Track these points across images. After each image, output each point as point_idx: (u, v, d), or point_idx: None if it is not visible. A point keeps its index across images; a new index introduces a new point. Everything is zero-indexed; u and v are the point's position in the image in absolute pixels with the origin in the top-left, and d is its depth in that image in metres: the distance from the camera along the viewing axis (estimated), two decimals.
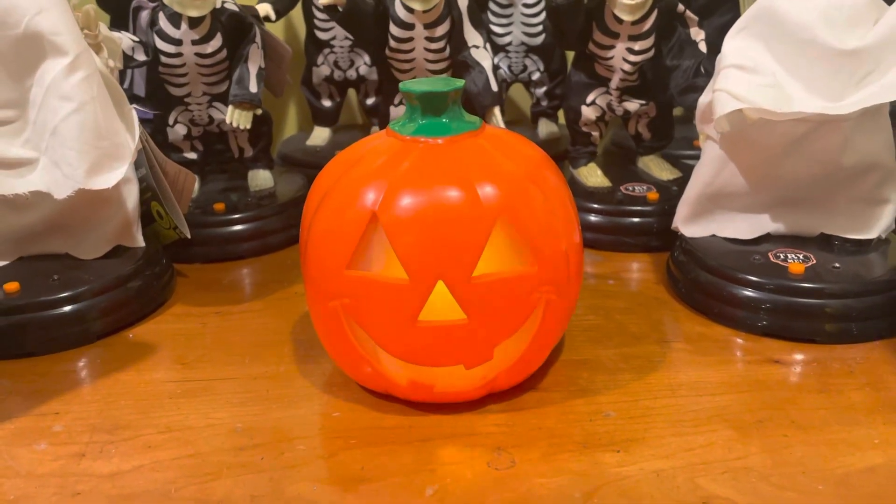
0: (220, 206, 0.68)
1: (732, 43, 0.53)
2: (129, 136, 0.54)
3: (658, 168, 0.72)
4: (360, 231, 0.42)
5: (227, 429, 0.45)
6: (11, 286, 0.54)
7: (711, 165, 0.57)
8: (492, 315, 0.42)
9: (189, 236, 0.61)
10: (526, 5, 0.79)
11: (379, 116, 0.80)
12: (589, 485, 0.39)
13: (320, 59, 0.83)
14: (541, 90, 0.84)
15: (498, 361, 0.44)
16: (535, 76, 0.83)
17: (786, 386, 0.47)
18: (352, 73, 0.84)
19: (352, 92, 0.88)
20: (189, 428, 0.45)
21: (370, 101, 0.85)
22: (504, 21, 0.80)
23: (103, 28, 0.57)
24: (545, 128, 0.85)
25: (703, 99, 0.55)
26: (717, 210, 0.58)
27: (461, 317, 0.42)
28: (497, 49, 0.81)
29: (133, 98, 0.77)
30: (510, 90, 0.88)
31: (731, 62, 0.52)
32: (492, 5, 0.80)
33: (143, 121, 0.70)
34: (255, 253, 0.68)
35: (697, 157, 0.75)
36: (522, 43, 0.81)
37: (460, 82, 0.45)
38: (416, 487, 0.40)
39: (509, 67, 0.83)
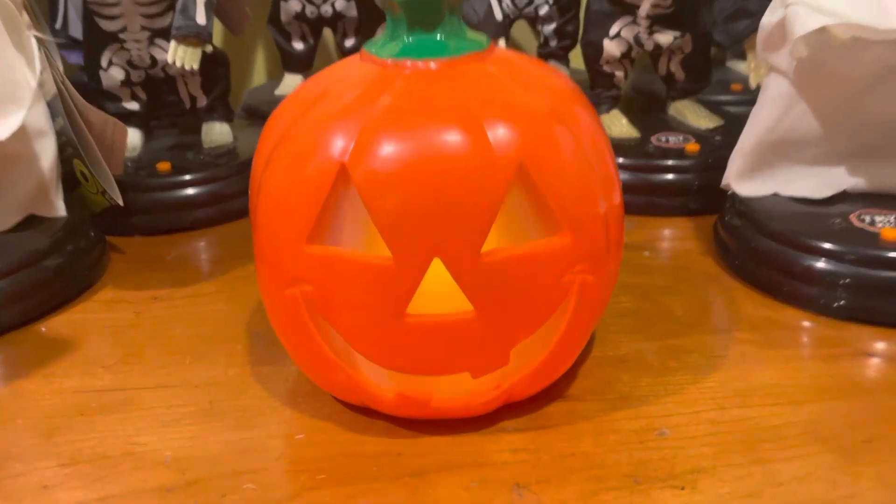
0: (164, 166, 0.56)
1: None
2: (28, 72, 0.42)
3: (694, 115, 0.60)
4: (325, 191, 0.30)
5: (152, 459, 0.33)
6: None
7: (776, 105, 0.45)
8: (508, 306, 0.31)
9: (121, 203, 0.49)
10: None
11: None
12: None
13: None
14: (549, 27, 0.71)
15: (515, 366, 0.33)
16: (543, 10, 0.70)
17: (891, 388, 0.36)
18: (327, 10, 0.71)
19: (328, 32, 0.75)
20: (102, 458, 0.34)
21: (349, 42, 0.73)
22: None
23: None
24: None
25: (769, 18, 0.43)
26: (780, 162, 0.46)
27: (466, 308, 0.30)
28: None
29: (68, 44, 0.65)
30: (512, 28, 0.75)
31: None
32: None
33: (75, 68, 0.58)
34: (209, 222, 0.56)
35: (735, 105, 0.64)
36: None
37: None
38: None
39: (512, 1, 0.70)
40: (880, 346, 0.39)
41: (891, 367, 0.37)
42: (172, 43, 0.54)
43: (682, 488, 0.31)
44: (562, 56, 0.73)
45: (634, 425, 0.34)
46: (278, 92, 0.73)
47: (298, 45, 0.73)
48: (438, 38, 0.33)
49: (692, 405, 0.35)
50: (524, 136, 0.30)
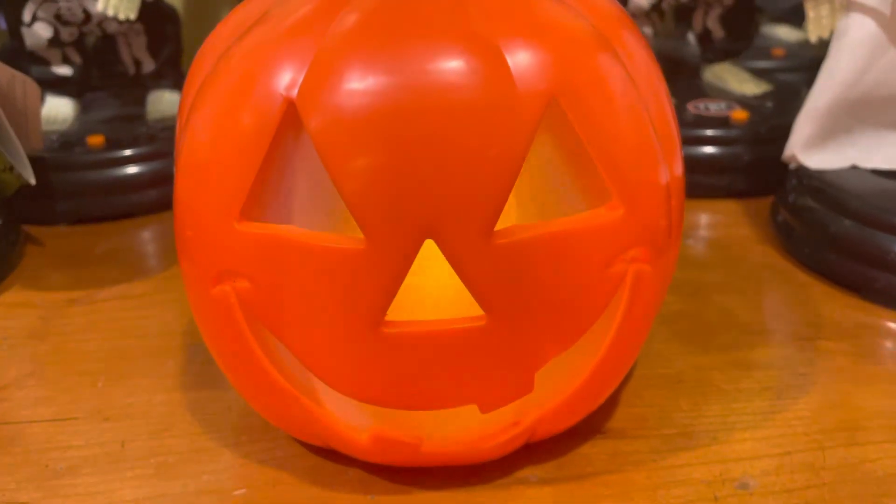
0: (97, 140, 0.46)
1: None
2: None
3: (737, 79, 0.50)
4: (265, 145, 0.21)
5: None
6: None
7: (858, 53, 0.35)
8: (533, 308, 0.21)
9: (33, 181, 0.39)
10: None
11: None
12: None
13: None
14: None
15: (542, 394, 0.23)
16: None
17: None
18: None
19: None
20: None
21: None
22: None
23: None
24: None
25: None
26: (862, 127, 0.37)
27: (473, 314, 0.21)
28: None
29: None
30: None
31: None
32: None
33: None
34: (152, 208, 0.46)
35: (778, 72, 0.55)
36: None
37: None
38: None
39: None
40: None
41: None
42: None
43: None
44: None
45: (703, 473, 0.25)
46: None
47: None
48: None
49: (781, 443, 0.26)
50: (558, 64, 0.21)
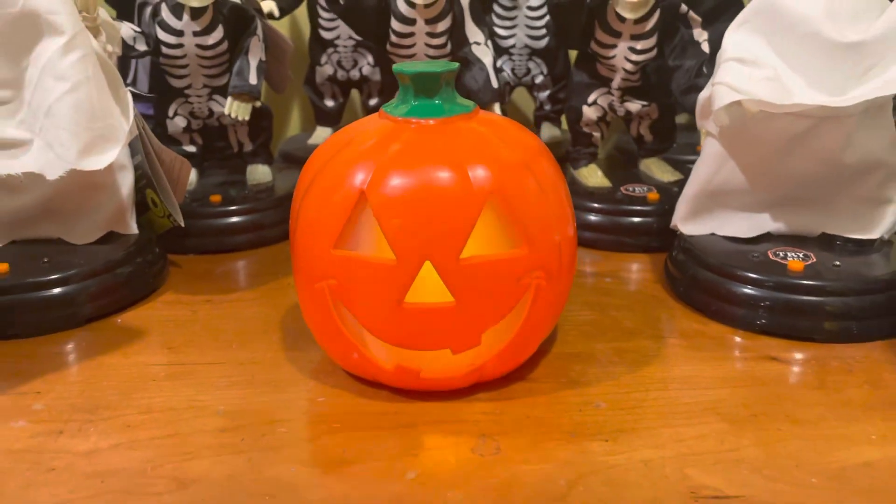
0: (216, 198, 0.68)
1: (733, 37, 0.52)
2: (123, 119, 0.54)
3: (660, 170, 0.71)
4: (349, 210, 0.41)
5: (209, 411, 0.44)
6: (2, 267, 0.53)
7: (711, 162, 0.56)
8: (480, 298, 0.42)
9: (182, 224, 0.61)
10: (530, 7, 0.79)
11: None
12: (575, 472, 0.38)
13: (324, 59, 0.83)
14: (544, 94, 0.84)
15: (486, 348, 0.43)
16: (539, 80, 0.83)
17: (783, 382, 0.46)
18: (355, 74, 0.84)
19: (355, 92, 0.88)
20: (171, 409, 0.44)
21: (373, 101, 0.85)
22: (508, 24, 0.80)
23: (102, 12, 0.57)
24: (548, 131, 0.85)
25: (703, 94, 0.55)
26: (716, 208, 0.57)
27: (449, 299, 0.41)
28: (500, 52, 0.81)
29: (136, 97, 0.77)
30: (513, 94, 0.88)
31: (731, 56, 0.52)
32: (496, 7, 0.80)
33: (144, 116, 0.70)
34: (250, 246, 0.67)
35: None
36: (526, 46, 0.81)
37: (454, 64, 0.45)
38: (398, 471, 0.38)
39: (513, 70, 0.83)
40: (783, 353, 0.49)
41: (785, 367, 0.47)
42: (229, 98, 0.66)
43: (607, 441, 0.40)
44: (554, 118, 0.85)
45: (578, 399, 0.44)
46: (311, 141, 0.85)
47: (329, 103, 0.86)
48: (437, 103, 0.44)
49: (625, 388, 0.45)
50: (497, 176, 0.42)
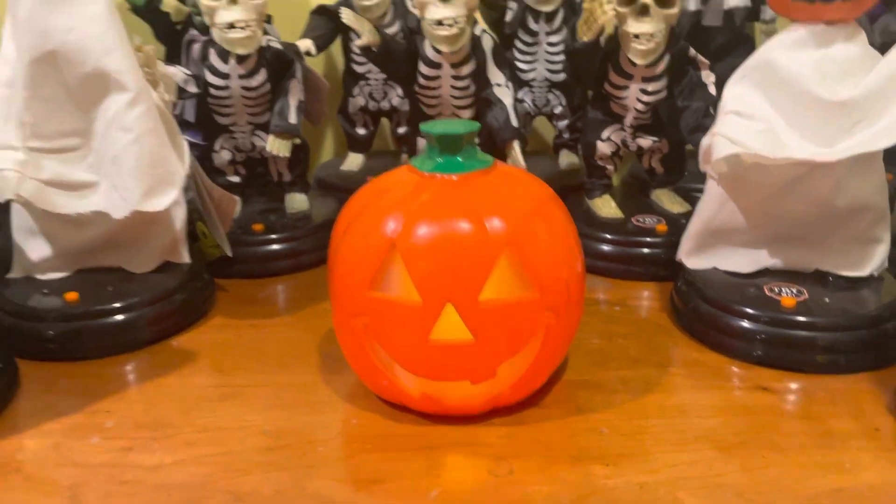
0: (258, 227, 0.74)
1: (733, 90, 0.57)
2: (179, 164, 0.60)
3: (669, 201, 0.76)
4: (381, 257, 0.47)
5: (257, 430, 0.50)
6: (71, 295, 0.60)
7: (713, 203, 0.60)
8: (496, 336, 0.47)
9: (230, 254, 0.67)
10: (549, 44, 0.84)
11: (409, 145, 0.86)
12: (577, 493, 0.43)
13: (356, 91, 0.89)
14: (563, 123, 0.89)
15: (501, 379, 0.48)
16: (558, 110, 0.88)
17: (771, 412, 0.50)
18: (385, 104, 0.89)
19: (384, 121, 0.93)
20: (224, 429, 0.50)
21: (401, 129, 0.91)
22: (529, 58, 0.85)
23: (160, 65, 0.63)
24: (566, 158, 0.90)
25: (705, 141, 0.59)
26: (718, 244, 0.62)
27: (468, 337, 0.47)
28: (521, 84, 0.86)
29: (183, 123, 0.84)
30: (534, 122, 0.93)
31: (730, 108, 0.56)
32: (517, 43, 0.85)
33: (191, 144, 0.76)
34: (289, 270, 0.73)
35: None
36: (546, 79, 0.86)
37: (475, 125, 0.50)
38: (423, 489, 0.44)
39: (533, 101, 0.88)
40: (774, 383, 0.54)
41: (775, 397, 0.52)
42: (271, 137, 0.72)
43: (608, 465, 0.46)
44: (572, 146, 0.90)
45: (584, 426, 0.49)
46: (343, 167, 0.91)
47: (361, 131, 0.92)
48: (459, 160, 0.50)
49: (627, 415, 0.50)
50: (511, 226, 0.47)
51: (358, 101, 0.90)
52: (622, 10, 0.66)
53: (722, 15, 0.80)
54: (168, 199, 0.59)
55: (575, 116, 0.88)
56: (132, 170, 0.57)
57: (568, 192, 0.81)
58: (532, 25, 0.83)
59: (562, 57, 0.84)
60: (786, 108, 0.55)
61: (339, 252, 0.50)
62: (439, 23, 0.67)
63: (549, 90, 0.86)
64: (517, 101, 0.85)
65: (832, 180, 0.56)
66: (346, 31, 0.86)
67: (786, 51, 0.55)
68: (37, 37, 0.55)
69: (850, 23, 0.54)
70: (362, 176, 0.88)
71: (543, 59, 0.85)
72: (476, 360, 0.47)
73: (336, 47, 0.88)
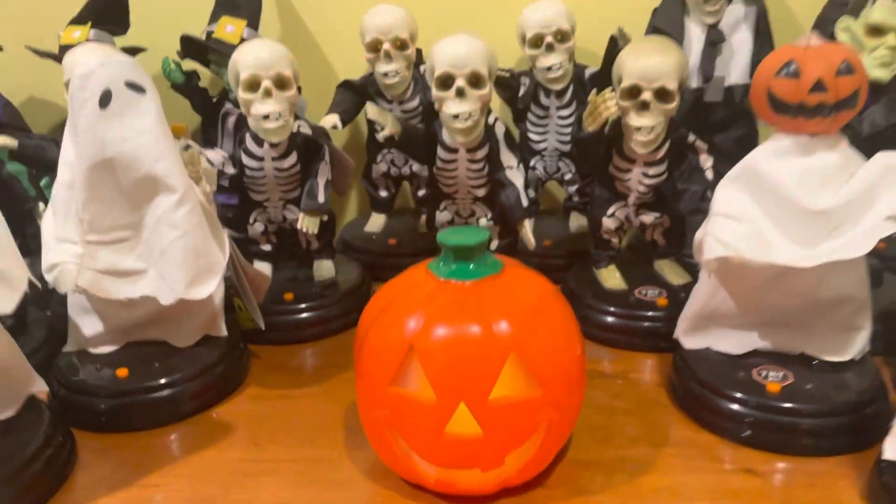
0: (289, 296, 0.80)
1: (724, 191, 0.62)
2: (221, 255, 0.66)
3: (671, 272, 0.81)
4: (400, 357, 0.53)
5: None
6: (122, 372, 0.67)
7: (706, 290, 0.66)
8: (504, 430, 0.53)
9: (263, 327, 0.73)
10: (560, 117, 0.89)
11: (428, 205, 0.91)
12: None
13: (379, 158, 0.95)
14: (572, 188, 0.94)
15: (509, 466, 0.54)
16: (567, 176, 0.93)
17: (753, 494, 0.56)
18: (406, 170, 0.95)
19: (405, 183, 0.99)
20: None
21: (421, 192, 0.97)
22: (541, 130, 0.91)
23: (203, 161, 0.69)
24: (575, 221, 0.95)
25: (699, 235, 0.64)
26: (712, 326, 0.67)
27: (478, 432, 0.52)
28: (534, 153, 0.92)
29: (219, 187, 0.91)
30: (546, 185, 0.98)
31: (720, 210, 0.61)
32: (530, 115, 0.90)
33: (226, 206, 0.82)
34: (317, 336, 0.79)
35: None
36: (556, 149, 0.91)
37: (486, 235, 0.56)
38: None
39: (545, 168, 0.93)
40: (760, 465, 0.59)
41: (759, 479, 0.57)
42: (302, 215, 0.78)
43: None
44: (582, 209, 0.95)
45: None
46: (367, 229, 0.97)
47: (383, 194, 0.98)
48: (471, 267, 0.55)
49: (623, 496, 0.56)
50: (516, 329, 0.52)
51: (381, 167, 0.96)
52: (624, 104, 0.71)
53: (723, 91, 0.85)
54: (210, 287, 0.65)
55: (584, 182, 0.93)
56: (178, 262, 0.64)
57: (577, 257, 0.87)
58: (543, 101, 0.89)
59: (571, 129, 0.89)
60: (771, 211, 0.60)
61: (363, 349, 0.56)
62: (455, 116, 0.73)
63: (560, 159, 0.92)
64: (530, 168, 0.91)
65: (814, 276, 0.61)
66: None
67: (771, 159, 0.60)
68: (95, 146, 0.61)
69: (830, 134, 0.59)
70: (383, 239, 0.95)
71: (554, 130, 0.90)
72: (486, 451, 0.53)
73: (361, 117, 0.94)
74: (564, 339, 0.55)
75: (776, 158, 0.60)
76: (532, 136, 0.91)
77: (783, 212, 0.59)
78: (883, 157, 0.58)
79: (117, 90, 0.61)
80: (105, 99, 0.61)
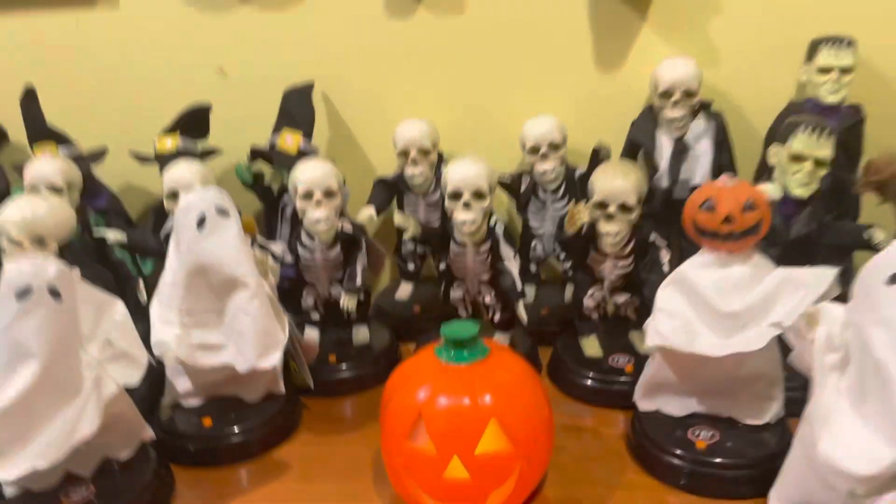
0: (332, 358, 1.01)
1: (662, 292, 0.81)
2: (282, 334, 0.87)
3: (641, 342, 0.99)
4: (413, 419, 0.73)
5: None
6: (207, 421, 0.88)
7: (655, 364, 0.84)
8: (486, 476, 0.72)
9: (312, 387, 0.94)
10: (555, 209, 1.09)
11: (447, 277, 1.11)
12: None
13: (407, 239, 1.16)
14: (567, 264, 1.13)
15: (492, 502, 0.73)
16: (563, 256, 1.12)
17: None
18: (429, 248, 1.16)
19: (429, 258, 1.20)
20: None
21: (442, 265, 1.16)
22: (539, 218, 1.10)
23: (270, 261, 0.91)
24: (570, 291, 1.14)
25: (647, 323, 0.83)
26: (660, 393, 0.85)
27: (465, 476, 0.72)
28: (534, 237, 1.11)
29: (283, 264, 1.12)
30: (547, 259, 1.17)
31: (659, 307, 0.80)
32: (531, 207, 1.10)
33: (286, 278, 1.03)
34: (355, 391, 1.00)
35: None
36: (552, 233, 1.11)
37: (475, 329, 0.76)
38: None
39: (543, 248, 1.12)
40: None
41: None
42: (343, 295, 0.99)
43: None
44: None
45: None
46: (397, 296, 1.18)
47: (411, 266, 1.19)
48: (465, 354, 0.75)
49: None
50: (496, 401, 0.72)
51: (408, 245, 1.16)
52: (595, 213, 0.90)
53: (689, 191, 1.03)
54: (274, 359, 0.86)
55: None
56: (251, 340, 0.85)
57: (568, 325, 1.05)
58: (541, 196, 1.08)
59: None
60: (697, 309, 0.79)
61: (387, 411, 0.76)
62: (463, 223, 0.93)
63: (555, 241, 1.11)
64: (532, 248, 1.11)
65: (734, 358, 0.79)
66: (400, 196, 1.13)
67: (697, 269, 0.78)
68: (193, 256, 0.83)
69: (744, 250, 0.77)
70: (409, 305, 1.15)
71: (550, 218, 1.10)
72: (473, 491, 0.72)
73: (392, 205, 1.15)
74: (535, 408, 0.74)
75: (701, 269, 0.78)
76: (532, 223, 1.11)
77: (705, 311, 0.78)
78: (781, 272, 0.76)
79: (210, 215, 0.83)
80: (201, 222, 0.83)
